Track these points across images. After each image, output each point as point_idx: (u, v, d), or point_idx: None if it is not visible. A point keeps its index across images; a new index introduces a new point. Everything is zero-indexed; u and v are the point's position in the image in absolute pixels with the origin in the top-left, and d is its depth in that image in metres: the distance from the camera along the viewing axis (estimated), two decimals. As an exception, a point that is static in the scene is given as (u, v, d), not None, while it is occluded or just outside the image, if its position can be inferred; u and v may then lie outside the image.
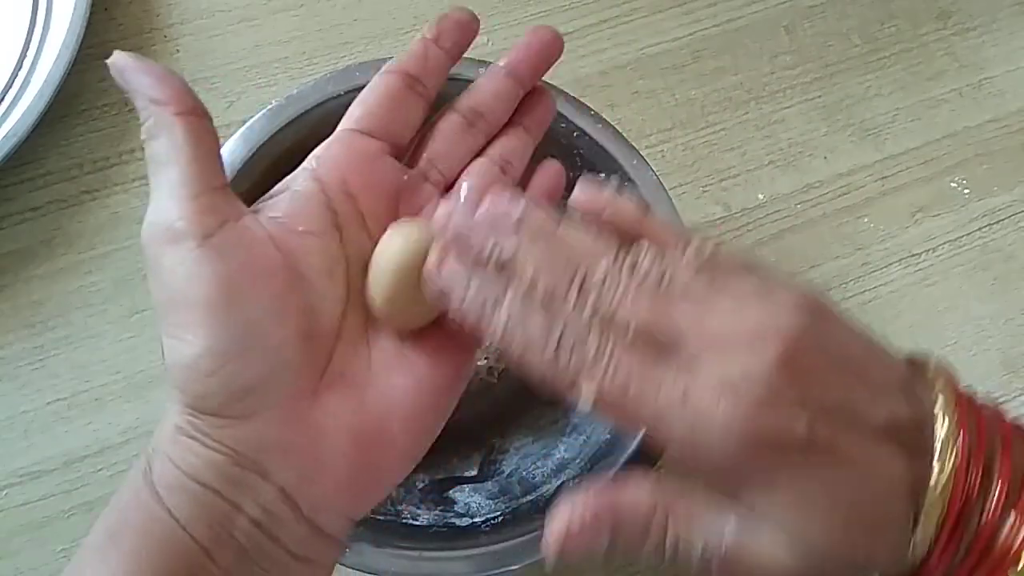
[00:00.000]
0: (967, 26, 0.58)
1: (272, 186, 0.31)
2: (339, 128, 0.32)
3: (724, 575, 0.26)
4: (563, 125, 0.41)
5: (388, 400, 0.28)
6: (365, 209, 0.31)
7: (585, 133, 0.41)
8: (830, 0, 0.57)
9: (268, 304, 0.27)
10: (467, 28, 0.34)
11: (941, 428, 0.26)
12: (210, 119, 0.28)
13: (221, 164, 0.28)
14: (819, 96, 0.55)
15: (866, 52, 0.56)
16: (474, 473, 0.41)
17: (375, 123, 0.32)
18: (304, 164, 0.31)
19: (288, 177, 0.31)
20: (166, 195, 0.27)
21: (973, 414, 0.27)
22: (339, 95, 0.39)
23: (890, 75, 0.56)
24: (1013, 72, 0.57)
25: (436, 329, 0.30)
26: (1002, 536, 0.26)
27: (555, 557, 0.27)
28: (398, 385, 0.29)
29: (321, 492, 0.27)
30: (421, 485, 0.40)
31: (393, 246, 0.29)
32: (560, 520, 0.27)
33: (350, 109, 0.33)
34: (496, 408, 0.43)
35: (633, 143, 0.41)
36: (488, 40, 0.54)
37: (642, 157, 0.41)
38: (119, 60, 0.28)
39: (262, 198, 0.30)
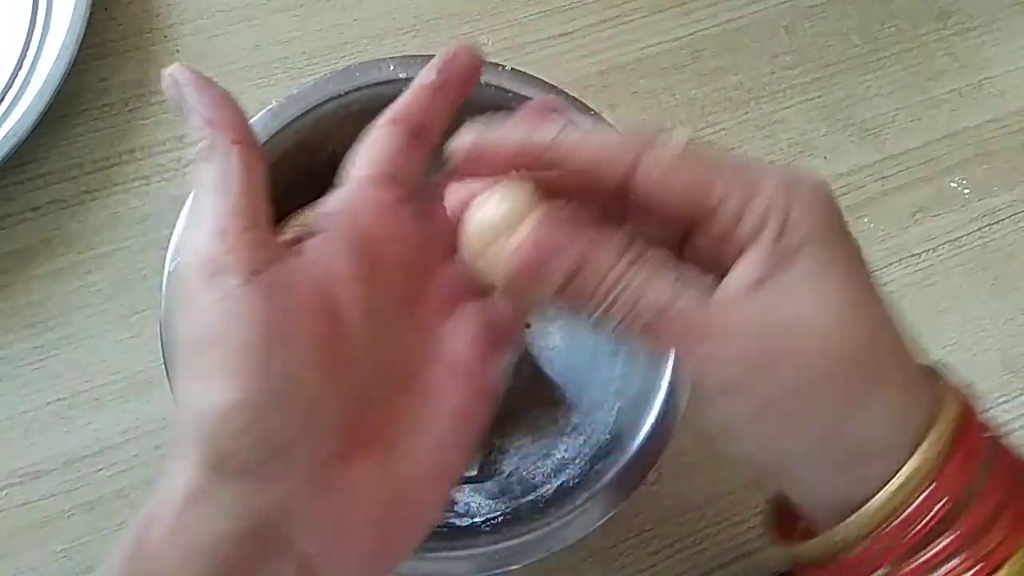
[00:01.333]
0: (967, 26, 0.58)
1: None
2: (351, 177, 0.30)
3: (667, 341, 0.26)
4: (563, 125, 0.41)
5: (412, 462, 0.27)
6: (394, 259, 0.28)
7: (585, 133, 0.41)
8: (830, 0, 0.57)
9: (308, 354, 0.25)
10: (473, 71, 0.31)
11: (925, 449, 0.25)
12: (262, 153, 0.27)
13: (269, 201, 0.27)
14: (819, 96, 0.55)
15: (866, 52, 0.56)
16: (474, 473, 0.42)
17: (385, 172, 0.30)
18: (325, 209, 0.29)
19: (311, 221, 0.29)
20: (213, 225, 0.25)
21: (971, 440, 0.26)
22: (339, 95, 0.40)
23: (890, 75, 0.56)
24: (1013, 72, 0.57)
25: (456, 384, 0.28)
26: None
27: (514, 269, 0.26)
28: (421, 447, 0.27)
29: (344, 562, 0.25)
30: (421, 485, 0.40)
31: (488, 207, 0.28)
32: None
33: (357, 159, 0.30)
34: (496, 408, 0.43)
35: (633, 143, 0.41)
36: (488, 40, 0.54)
37: (642, 157, 0.41)
38: (178, 74, 0.26)
39: (286, 239, 0.28)
